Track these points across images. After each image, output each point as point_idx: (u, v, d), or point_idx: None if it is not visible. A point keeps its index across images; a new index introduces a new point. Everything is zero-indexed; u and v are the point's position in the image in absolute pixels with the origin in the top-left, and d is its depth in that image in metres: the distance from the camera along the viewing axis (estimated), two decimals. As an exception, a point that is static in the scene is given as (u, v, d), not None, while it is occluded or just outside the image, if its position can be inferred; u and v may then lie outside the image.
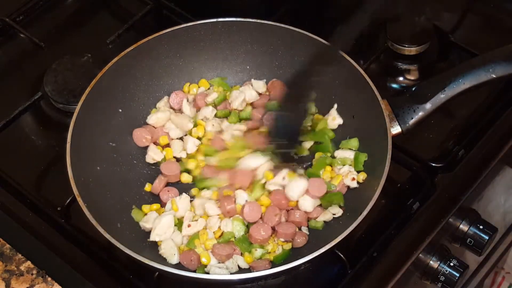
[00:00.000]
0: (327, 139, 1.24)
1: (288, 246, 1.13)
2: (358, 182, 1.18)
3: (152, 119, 1.27)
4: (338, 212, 1.16)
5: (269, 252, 1.12)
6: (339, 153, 1.22)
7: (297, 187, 1.15)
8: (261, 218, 1.15)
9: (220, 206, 1.16)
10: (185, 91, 1.31)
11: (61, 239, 1.15)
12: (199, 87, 1.32)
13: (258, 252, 1.11)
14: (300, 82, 1.17)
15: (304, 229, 1.15)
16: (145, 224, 1.15)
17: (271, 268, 1.06)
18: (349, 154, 1.21)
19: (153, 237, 1.12)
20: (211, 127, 1.26)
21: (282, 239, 1.13)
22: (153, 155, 1.23)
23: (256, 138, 1.22)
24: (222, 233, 1.14)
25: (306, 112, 1.21)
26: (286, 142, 1.17)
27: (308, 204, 1.15)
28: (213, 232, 1.14)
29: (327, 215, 1.15)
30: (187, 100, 1.29)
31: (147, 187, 1.21)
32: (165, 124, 1.27)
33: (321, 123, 1.25)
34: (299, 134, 1.20)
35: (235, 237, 1.13)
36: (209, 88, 1.32)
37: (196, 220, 1.15)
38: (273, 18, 1.29)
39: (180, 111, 1.29)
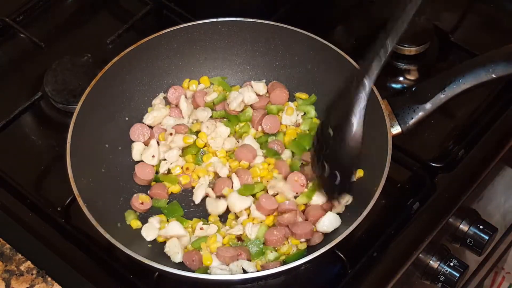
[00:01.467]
0: None
1: (303, 246, 1.12)
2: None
3: (149, 118, 1.26)
4: (349, 200, 1.16)
5: (282, 254, 1.12)
6: None
7: (329, 222, 1.14)
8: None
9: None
10: (185, 86, 1.31)
11: (61, 239, 1.15)
12: (199, 83, 1.32)
13: (271, 255, 1.11)
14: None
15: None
16: (145, 234, 1.15)
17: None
18: None
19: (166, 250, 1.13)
20: (205, 129, 1.25)
21: (302, 240, 1.13)
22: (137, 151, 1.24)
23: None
24: (229, 238, 1.14)
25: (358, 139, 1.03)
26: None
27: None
28: (223, 237, 1.14)
29: (338, 208, 1.16)
30: (185, 96, 1.29)
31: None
32: (162, 121, 1.27)
33: (306, 122, 1.26)
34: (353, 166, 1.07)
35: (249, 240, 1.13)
36: (209, 87, 1.32)
37: (208, 224, 1.15)
38: (273, 18, 1.29)
39: (177, 106, 1.29)
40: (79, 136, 1.14)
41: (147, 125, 1.26)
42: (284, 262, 1.10)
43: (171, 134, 1.23)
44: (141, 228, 1.15)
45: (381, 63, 1.00)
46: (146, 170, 1.20)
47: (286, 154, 1.23)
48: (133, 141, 1.24)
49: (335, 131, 1.03)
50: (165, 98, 1.30)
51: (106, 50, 1.41)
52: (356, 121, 1.01)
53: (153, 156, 1.21)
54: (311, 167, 1.12)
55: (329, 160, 1.05)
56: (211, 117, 1.28)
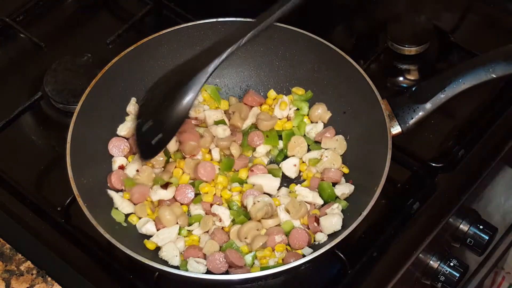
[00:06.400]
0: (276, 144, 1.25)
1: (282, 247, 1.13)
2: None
3: (123, 130, 1.23)
4: (350, 189, 1.17)
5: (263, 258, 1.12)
6: (309, 155, 1.23)
7: (330, 223, 1.13)
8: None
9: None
10: None
11: (61, 239, 1.15)
12: None
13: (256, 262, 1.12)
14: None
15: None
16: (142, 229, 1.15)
17: (270, 268, 1.06)
18: (317, 154, 1.22)
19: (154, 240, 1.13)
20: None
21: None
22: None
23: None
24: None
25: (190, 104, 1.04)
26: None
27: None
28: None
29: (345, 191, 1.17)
30: None
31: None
32: None
33: (297, 118, 1.27)
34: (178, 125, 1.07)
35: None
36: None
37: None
38: (273, 18, 1.29)
39: None
40: (79, 136, 1.14)
41: (123, 137, 1.23)
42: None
43: None
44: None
45: (232, 49, 1.03)
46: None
47: (262, 151, 1.24)
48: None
49: (170, 94, 1.04)
50: (137, 103, 1.27)
51: (106, 50, 1.41)
52: (194, 93, 1.03)
53: (137, 171, 1.19)
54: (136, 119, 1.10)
55: (156, 118, 1.06)
56: None
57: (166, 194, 1.17)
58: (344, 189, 1.17)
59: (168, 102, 1.04)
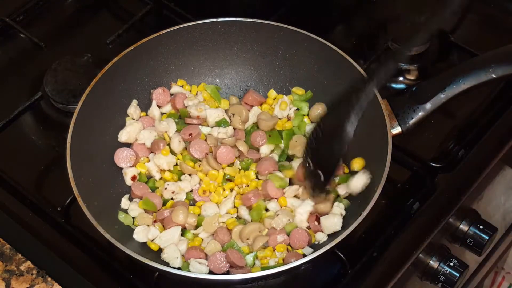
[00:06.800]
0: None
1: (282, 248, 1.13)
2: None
3: (123, 135, 1.23)
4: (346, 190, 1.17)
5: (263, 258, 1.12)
6: None
7: (357, 182, 1.14)
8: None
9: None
10: (185, 87, 1.31)
11: (61, 239, 1.16)
12: (177, 85, 1.30)
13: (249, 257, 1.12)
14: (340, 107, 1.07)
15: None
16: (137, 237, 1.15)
17: (270, 268, 1.06)
18: None
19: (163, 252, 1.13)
20: (160, 126, 1.24)
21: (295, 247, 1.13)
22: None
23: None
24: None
25: (345, 143, 1.07)
26: (319, 173, 1.09)
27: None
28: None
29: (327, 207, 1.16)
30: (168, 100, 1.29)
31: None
32: (139, 136, 1.23)
33: (297, 118, 1.27)
34: (335, 167, 1.11)
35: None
36: (196, 93, 1.31)
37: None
38: (273, 18, 1.29)
39: (147, 115, 1.28)
40: (79, 136, 1.14)
41: (124, 143, 1.23)
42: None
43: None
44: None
45: (388, 75, 1.04)
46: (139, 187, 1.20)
47: (266, 151, 1.24)
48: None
49: (327, 133, 1.07)
50: (138, 104, 1.27)
51: (106, 50, 1.42)
52: (350, 129, 1.05)
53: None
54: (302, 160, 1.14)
55: (314, 158, 1.09)
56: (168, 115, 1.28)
57: (185, 185, 1.19)
58: (345, 188, 1.17)
59: (325, 146, 1.08)
